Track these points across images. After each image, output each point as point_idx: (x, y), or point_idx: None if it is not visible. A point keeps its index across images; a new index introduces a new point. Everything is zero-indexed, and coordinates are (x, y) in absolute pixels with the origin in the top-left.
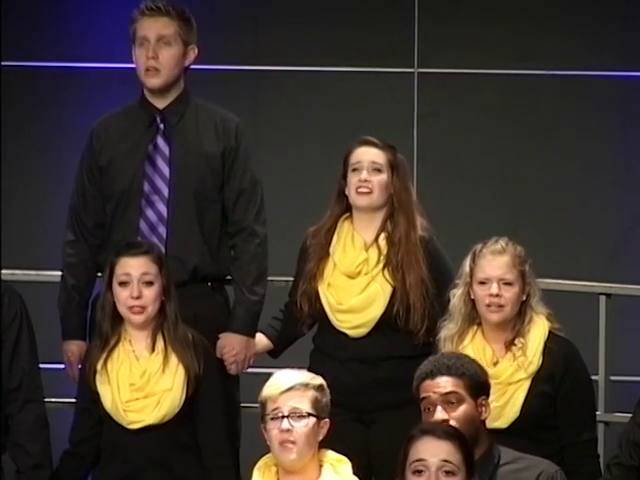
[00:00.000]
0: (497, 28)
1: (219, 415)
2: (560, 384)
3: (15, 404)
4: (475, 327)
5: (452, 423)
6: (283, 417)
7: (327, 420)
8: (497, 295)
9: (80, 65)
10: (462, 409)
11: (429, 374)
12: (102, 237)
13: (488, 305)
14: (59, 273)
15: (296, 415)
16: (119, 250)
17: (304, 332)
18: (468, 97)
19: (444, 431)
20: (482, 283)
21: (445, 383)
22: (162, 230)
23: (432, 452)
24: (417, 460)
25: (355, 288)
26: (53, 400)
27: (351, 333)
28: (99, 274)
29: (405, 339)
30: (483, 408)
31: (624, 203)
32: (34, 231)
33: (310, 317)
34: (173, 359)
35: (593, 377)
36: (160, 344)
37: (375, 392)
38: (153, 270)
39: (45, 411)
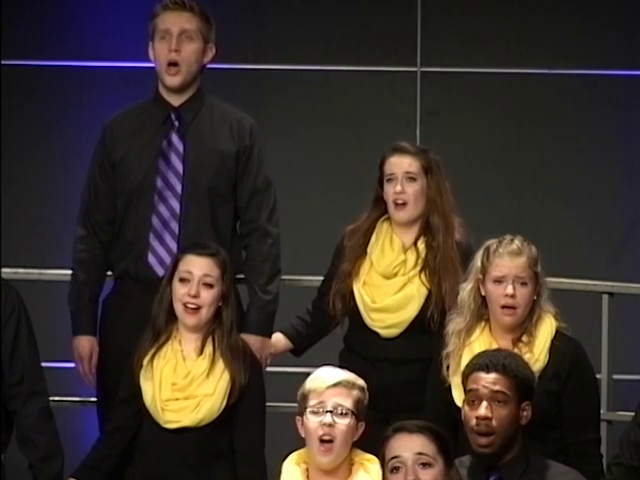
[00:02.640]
0: (500, 27)
1: (258, 426)
2: (566, 383)
3: (19, 399)
4: (483, 323)
5: (493, 422)
6: (326, 412)
7: (363, 423)
8: (512, 296)
9: (83, 64)
10: (506, 411)
11: (483, 367)
12: (113, 233)
13: (503, 307)
14: (62, 272)
15: (339, 412)
16: (185, 247)
17: (331, 330)
18: (471, 96)
19: (416, 425)
20: (497, 282)
21: (497, 380)
22: (174, 226)
23: (406, 447)
24: (393, 457)
25: (391, 288)
26: (57, 399)
27: (383, 333)
28: (109, 272)
29: (436, 342)
30: (525, 413)
31: (627, 202)
32: (36, 230)
33: (342, 316)
34: (219, 365)
35: (596, 375)
36: (209, 348)
37: (402, 393)
38: (215, 273)
39: (48, 402)
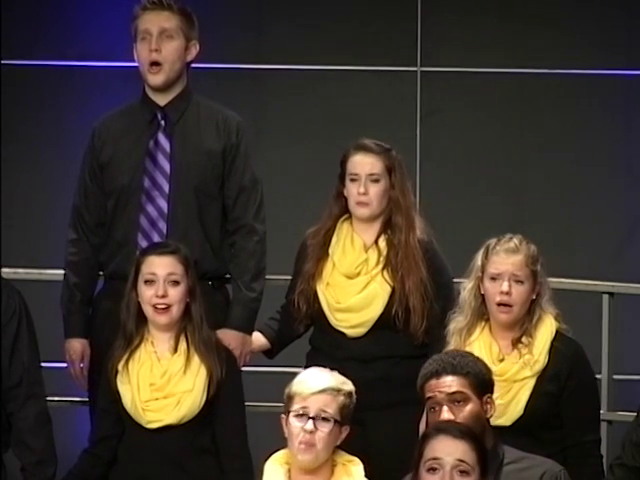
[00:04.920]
0: (500, 27)
1: (239, 418)
2: (565, 384)
3: (17, 401)
4: (483, 322)
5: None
6: (309, 418)
7: (348, 427)
8: (507, 293)
9: (81, 64)
10: (468, 409)
11: (434, 373)
12: (103, 236)
13: (498, 304)
14: (61, 272)
15: (322, 418)
16: (146, 249)
17: (300, 332)
18: (471, 95)
19: (460, 430)
20: (493, 279)
21: (450, 382)
22: (162, 225)
23: (447, 451)
24: (432, 459)
25: (354, 287)
26: (56, 399)
27: (349, 332)
28: (100, 273)
29: (403, 339)
30: (488, 406)
31: (627, 202)
32: (36, 230)
33: (308, 317)
34: (195, 361)
35: (596, 376)
36: (183, 345)
37: (372, 391)
38: (179, 270)
39: (47, 407)
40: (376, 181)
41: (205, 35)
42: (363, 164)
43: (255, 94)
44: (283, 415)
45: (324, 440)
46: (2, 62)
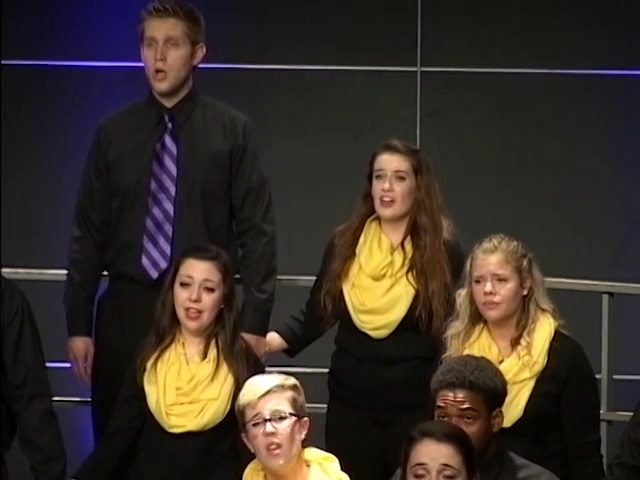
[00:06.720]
0: (500, 27)
1: None
2: (565, 385)
3: (21, 400)
4: (481, 325)
5: None
6: (265, 421)
7: (307, 419)
8: (491, 293)
9: (84, 64)
10: (477, 425)
11: (450, 385)
12: (108, 234)
13: (484, 304)
14: (62, 272)
15: (277, 417)
16: (186, 251)
17: (324, 330)
18: (471, 96)
19: (444, 433)
20: (477, 281)
21: (464, 398)
22: (168, 228)
23: (432, 456)
24: (418, 464)
25: (378, 290)
26: (57, 399)
27: (373, 334)
28: (105, 272)
29: (426, 341)
30: (497, 420)
31: (627, 202)
32: (37, 229)
33: (333, 316)
34: (224, 369)
35: (596, 376)
36: (213, 352)
37: (393, 392)
38: (216, 277)
39: (52, 405)
40: (402, 179)
41: (205, 35)
42: (390, 161)
43: (255, 94)
44: (243, 433)
45: (287, 438)
46: (2, 62)
